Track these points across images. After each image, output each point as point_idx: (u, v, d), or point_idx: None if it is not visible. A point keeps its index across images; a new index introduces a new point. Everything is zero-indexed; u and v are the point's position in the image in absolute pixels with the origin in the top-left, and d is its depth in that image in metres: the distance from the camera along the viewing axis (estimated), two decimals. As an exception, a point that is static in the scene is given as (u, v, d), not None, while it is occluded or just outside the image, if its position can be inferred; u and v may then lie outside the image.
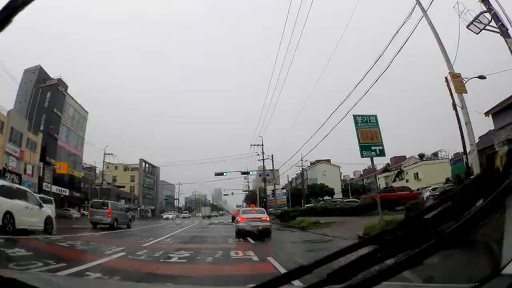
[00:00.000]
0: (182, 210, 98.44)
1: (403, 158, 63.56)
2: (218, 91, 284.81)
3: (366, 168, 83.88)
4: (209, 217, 60.79)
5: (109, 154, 44.47)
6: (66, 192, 40.21)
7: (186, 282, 4.87)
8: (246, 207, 49.41)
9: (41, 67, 46.33)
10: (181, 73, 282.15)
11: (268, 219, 13.02)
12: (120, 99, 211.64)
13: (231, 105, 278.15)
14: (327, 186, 57.64)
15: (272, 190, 37.36)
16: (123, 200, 62.79)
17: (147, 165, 76.32)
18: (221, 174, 34.64)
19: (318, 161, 71.49)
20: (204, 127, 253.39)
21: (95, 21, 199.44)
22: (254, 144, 38.40)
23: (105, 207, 17.91)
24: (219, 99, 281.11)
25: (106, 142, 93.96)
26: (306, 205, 34.08)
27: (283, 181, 53.91)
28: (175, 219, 50.12)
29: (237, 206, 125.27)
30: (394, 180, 50.88)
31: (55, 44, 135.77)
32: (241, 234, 11.89)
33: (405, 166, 49.85)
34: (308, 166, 64.26)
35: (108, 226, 17.50)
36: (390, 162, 71.12)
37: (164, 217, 50.16)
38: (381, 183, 56.52)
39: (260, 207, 47.51)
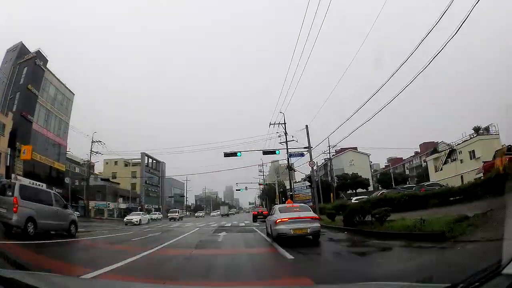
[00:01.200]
0: (190, 209, 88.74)
1: (433, 144, 58.83)
2: (226, 86, 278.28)
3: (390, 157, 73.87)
4: (227, 215, 58.14)
5: (97, 141, 36.65)
6: (43, 186, 32.57)
7: None
8: (275, 203, 39.25)
9: (22, 44, 39.40)
10: (188, 72, 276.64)
11: (318, 218, 10.49)
12: (123, 99, 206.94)
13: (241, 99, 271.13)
14: (361, 176, 48.40)
15: (309, 178, 27.90)
16: (121, 199, 54.92)
17: (150, 160, 68.64)
18: (234, 154, 25.71)
19: (343, 149, 62.27)
20: (213, 128, 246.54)
21: (99, 20, 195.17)
22: (273, 123, 29.49)
23: (10, 194, 9.73)
24: (229, 97, 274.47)
25: (107, 138, 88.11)
26: (355, 197, 24.88)
27: (300, 176, 43.53)
28: (149, 221, 33.56)
29: (250, 203, 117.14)
30: (446, 162, 41.71)
31: (53, 34, 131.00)
32: (283, 240, 9.27)
33: (458, 144, 40.55)
34: (334, 155, 55.34)
35: (19, 230, 9.63)
36: (420, 149, 64.31)
37: (125, 220, 30.94)
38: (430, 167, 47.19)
39: (280, 203, 38.73)
